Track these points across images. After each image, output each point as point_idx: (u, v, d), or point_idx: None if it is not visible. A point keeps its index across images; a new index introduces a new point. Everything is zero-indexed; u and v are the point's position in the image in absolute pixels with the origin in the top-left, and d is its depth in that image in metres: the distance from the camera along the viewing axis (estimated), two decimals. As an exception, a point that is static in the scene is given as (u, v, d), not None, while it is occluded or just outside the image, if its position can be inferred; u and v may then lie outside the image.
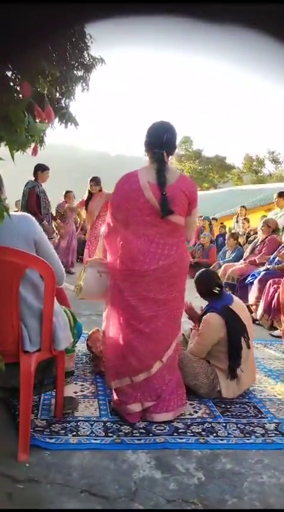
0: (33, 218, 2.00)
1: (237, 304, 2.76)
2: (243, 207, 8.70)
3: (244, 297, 5.13)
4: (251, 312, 4.96)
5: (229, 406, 2.59)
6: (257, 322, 4.73)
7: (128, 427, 2.24)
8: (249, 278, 5.15)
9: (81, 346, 3.31)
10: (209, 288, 2.75)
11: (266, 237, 5.48)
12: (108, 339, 2.40)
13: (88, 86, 6.27)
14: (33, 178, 5.71)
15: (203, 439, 2.18)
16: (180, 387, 2.41)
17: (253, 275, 5.12)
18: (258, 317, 4.69)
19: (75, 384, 2.71)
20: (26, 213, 2.01)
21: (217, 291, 2.72)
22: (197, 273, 2.88)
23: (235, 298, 2.81)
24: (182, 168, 32.75)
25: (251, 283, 5.07)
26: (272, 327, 4.53)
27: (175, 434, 2.20)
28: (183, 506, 1.69)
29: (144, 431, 2.21)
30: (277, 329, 4.40)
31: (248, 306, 5.10)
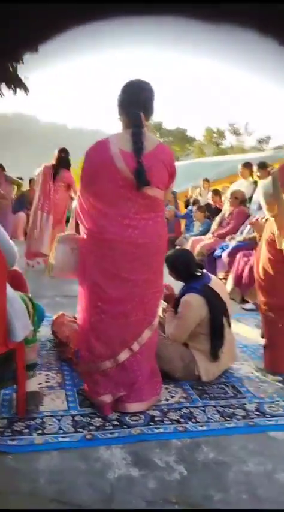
0: None
1: (216, 283, 2.59)
2: (206, 180, 8.53)
3: (213, 271, 5.01)
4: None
5: (206, 388, 2.44)
6: (227, 296, 4.64)
7: (100, 419, 2.04)
8: (217, 251, 5.02)
9: (45, 331, 3.06)
10: (190, 270, 2.56)
11: (234, 210, 5.34)
12: (78, 320, 2.19)
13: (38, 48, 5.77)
14: None
15: (182, 426, 2.02)
16: (155, 375, 2.23)
17: (221, 248, 4.99)
18: (229, 291, 4.58)
19: (39, 373, 2.47)
20: None
21: (199, 273, 2.53)
22: (171, 254, 2.65)
23: (213, 277, 2.64)
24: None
25: (220, 256, 4.95)
26: (243, 301, 4.44)
27: (151, 424, 2.03)
28: (164, 506, 1.52)
29: (117, 423, 2.02)
30: (248, 302, 4.31)
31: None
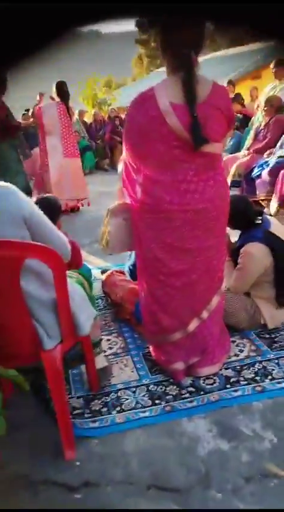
0: (15, 188, 1.47)
1: (276, 226, 2.35)
2: (230, 82, 7.70)
3: (253, 192, 4.72)
4: (262, 207, 4.59)
5: (273, 335, 2.35)
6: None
7: (174, 387, 2.00)
8: (256, 170, 4.64)
9: (94, 287, 2.98)
10: (249, 218, 2.32)
11: (270, 119, 4.83)
12: (140, 292, 2.07)
13: None
14: None
15: (259, 386, 1.96)
16: (224, 334, 2.14)
17: (260, 166, 4.61)
18: (272, 212, 4.32)
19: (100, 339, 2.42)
20: (4, 184, 1.47)
21: (259, 221, 2.30)
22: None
23: (272, 219, 2.40)
24: (147, 37, 29.16)
25: (259, 175, 4.59)
26: (288, 222, 4.19)
27: (228, 386, 1.97)
28: (264, 482, 1.50)
29: (192, 389, 1.98)
30: (295, 224, 4.07)
31: (257, 201, 4.72)
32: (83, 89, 14.15)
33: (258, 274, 2.29)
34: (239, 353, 2.22)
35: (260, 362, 2.13)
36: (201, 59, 1.75)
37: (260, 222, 2.31)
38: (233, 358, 2.17)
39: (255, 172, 4.63)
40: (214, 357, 2.03)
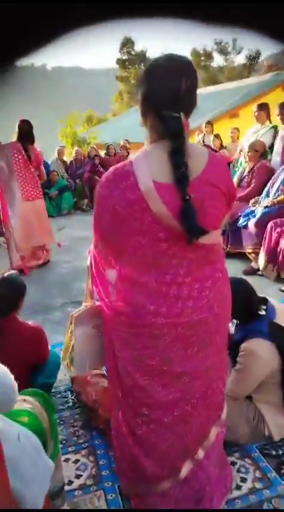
0: None
1: (281, 313, 1.94)
2: (209, 123, 7.49)
3: (238, 243, 4.37)
4: (249, 260, 4.23)
5: (281, 452, 1.90)
6: (259, 273, 4.02)
7: None
8: (242, 220, 4.30)
9: (62, 374, 2.47)
10: (251, 308, 1.90)
11: (254, 165, 4.55)
12: (112, 427, 1.56)
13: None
14: None
15: None
16: (225, 467, 1.67)
17: (246, 216, 4.28)
18: (261, 267, 3.96)
19: (66, 459, 1.91)
20: None
21: (264, 311, 1.89)
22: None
23: (276, 305, 1.98)
24: (127, 75, 29.74)
25: (245, 226, 4.25)
26: (279, 278, 3.83)
27: None
28: None
29: None
30: (287, 281, 3.71)
31: (243, 253, 4.36)
32: (63, 127, 13.79)
33: (263, 377, 1.86)
34: (241, 484, 1.75)
35: (270, 500, 1.66)
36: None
37: (264, 313, 1.89)
38: (236, 493, 1.70)
39: (241, 222, 4.29)
40: (212, 505, 1.55)
